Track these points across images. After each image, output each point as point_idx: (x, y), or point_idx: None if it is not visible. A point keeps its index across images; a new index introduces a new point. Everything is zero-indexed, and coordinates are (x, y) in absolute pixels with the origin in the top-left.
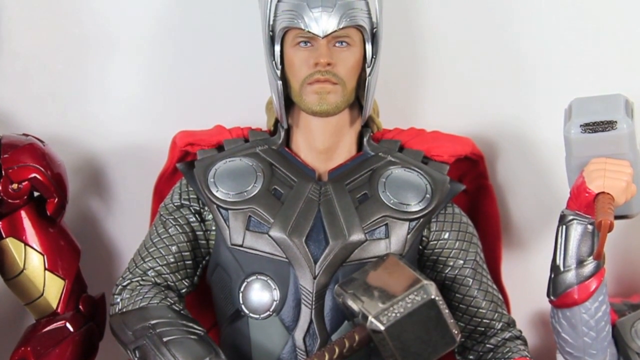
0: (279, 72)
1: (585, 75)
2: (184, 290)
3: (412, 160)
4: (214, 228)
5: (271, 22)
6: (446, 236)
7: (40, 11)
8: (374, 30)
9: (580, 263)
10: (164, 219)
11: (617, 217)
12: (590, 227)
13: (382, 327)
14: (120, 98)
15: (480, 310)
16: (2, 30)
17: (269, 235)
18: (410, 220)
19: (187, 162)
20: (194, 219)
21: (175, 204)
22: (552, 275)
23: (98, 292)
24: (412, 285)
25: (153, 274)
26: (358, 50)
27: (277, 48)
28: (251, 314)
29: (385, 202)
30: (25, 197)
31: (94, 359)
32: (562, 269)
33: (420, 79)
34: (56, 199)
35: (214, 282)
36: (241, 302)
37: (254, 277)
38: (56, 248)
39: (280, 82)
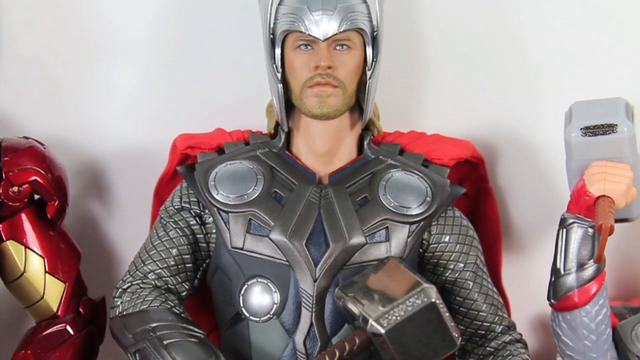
0: (279, 75)
1: (586, 78)
2: (184, 293)
3: (413, 164)
4: (214, 231)
5: (271, 25)
6: (446, 239)
7: (41, 14)
8: (375, 33)
9: (580, 266)
10: (165, 222)
11: (617, 221)
12: (590, 230)
13: (382, 331)
14: (121, 101)
15: (481, 313)
16: (3, 33)
17: (270, 238)
18: (411, 223)
19: (188, 165)
20: (194, 222)
21: (176, 207)
22: (553, 279)
23: (98, 295)
24: (413, 288)
25: (153, 276)
26: (358, 53)
27: (278, 51)
28: (251, 317)
29: (386, 205)
30: (26, 200)
31: None
32: (562, 272)
33: (421, 82)
34: (56, 202)
35: (214, 285)
36: (241, 305)
37: (254, 280)
38: (56, 251)
39: (280, 85)
